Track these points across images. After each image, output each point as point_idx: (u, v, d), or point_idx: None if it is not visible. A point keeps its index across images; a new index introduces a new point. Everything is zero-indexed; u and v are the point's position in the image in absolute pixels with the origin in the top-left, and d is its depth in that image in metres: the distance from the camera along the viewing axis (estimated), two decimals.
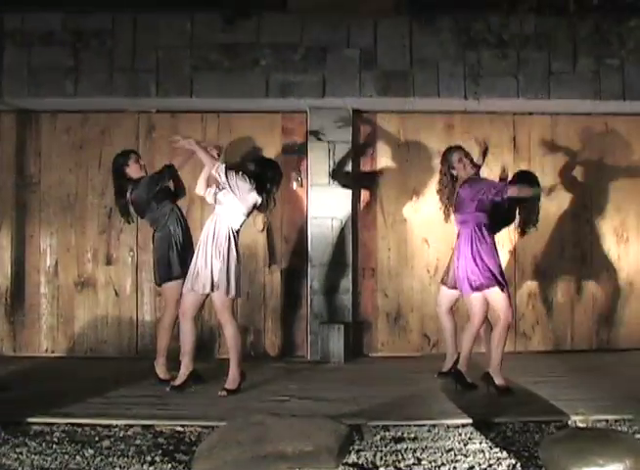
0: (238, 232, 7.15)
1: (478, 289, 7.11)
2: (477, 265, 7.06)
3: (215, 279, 6.95)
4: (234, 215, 7.05)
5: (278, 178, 7.36)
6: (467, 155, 7.36)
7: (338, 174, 8.95)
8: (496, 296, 7.07)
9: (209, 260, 6.95)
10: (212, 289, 6.98)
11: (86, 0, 8.22)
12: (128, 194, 7.57)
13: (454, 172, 7.32)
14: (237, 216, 7.08)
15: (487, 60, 8.54)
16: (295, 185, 9.09)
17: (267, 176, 7.21)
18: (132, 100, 8.65)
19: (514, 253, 9.27)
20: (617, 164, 9.41)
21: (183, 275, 7.33)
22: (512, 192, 7.11)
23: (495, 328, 7.23)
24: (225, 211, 7.07)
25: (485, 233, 7.15)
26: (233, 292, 7.03)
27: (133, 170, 7.61)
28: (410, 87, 8.60)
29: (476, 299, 7.24)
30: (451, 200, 7.34)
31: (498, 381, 7.11)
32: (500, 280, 7.04)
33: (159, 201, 7.48)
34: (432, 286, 9.10)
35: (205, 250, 6.99)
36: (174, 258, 7.47)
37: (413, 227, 9.19)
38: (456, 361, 7.68)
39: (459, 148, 7.46)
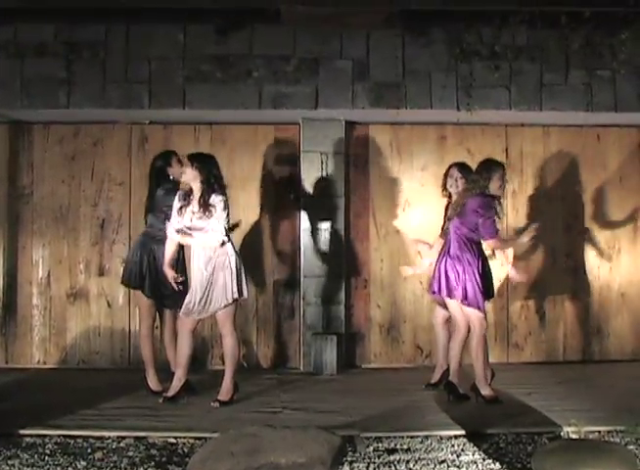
0: (228, 236, 7.16)
1: (443, 295, 7.27)
2: (463, 281, 7.12)
3: (221, 295, 6.98)
4: (216, 230, 7.02)
5: (218, 172, 7.24)
6: (506, 180, 7.38)
7: (330, 185, 8.97)
8: (470, 309, 7.12)
9: (211, 283, 6.98)
10: (220, 307, 7.02)
11: (79, 11, 8.21)
12: (160, 191, 7.52)
13: (487, 184, 7.24)
14: (219, 229, 7.03)
15: (480, 71, 8.55)
16: (288, 197, 9.10)
17: (212, 173, 7.15)
18: (125, 111, 8.64)
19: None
20: (608, 175, 9.44)
21: (140, 286, 7.49)
22: (491, 243, 7.19)
23: (470, 340, 7.24)
24: (207, 231, 7.04)
25: (471, 247, 7.17)
26: (245, 293, 7.14)
27: (176, 171, 7.55)
28: (402, 99, 8.60)
29: (457, 309, 7.27)
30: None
31: (484, 391, 7.12)
32: (470, 295, 7.11)
33: (164, 217, 7.47)
34: (424, 297, 9.10)
35: (202, 275, 7.01)
36: (135, 265, 7.48)
37: (406, 238, 9.19)
38: (444, 373, 7.70)
39: (504, 167, 7.41)
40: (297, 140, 9.15)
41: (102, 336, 9.10)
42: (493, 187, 7.20)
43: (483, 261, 7.26)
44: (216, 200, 7.01)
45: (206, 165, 7.13)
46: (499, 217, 7.24)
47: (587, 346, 9.42)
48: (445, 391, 7.31)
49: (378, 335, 9.26)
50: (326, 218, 8.97)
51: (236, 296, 7.02)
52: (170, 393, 7.16)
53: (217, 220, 6.99)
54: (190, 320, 7.13)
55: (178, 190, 7.33)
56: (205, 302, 7.01)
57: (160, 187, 7.49)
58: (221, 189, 7.14)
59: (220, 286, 6.98)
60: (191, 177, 7.13)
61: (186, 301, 7.10)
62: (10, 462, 5.38)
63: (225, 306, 7.03)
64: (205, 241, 7.04)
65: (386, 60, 8.60)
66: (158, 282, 7.42)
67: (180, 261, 7.53)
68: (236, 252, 7.16)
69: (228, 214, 7.11)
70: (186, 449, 5.75)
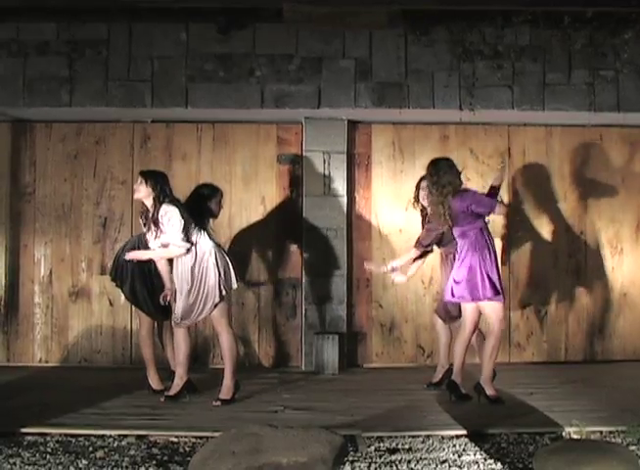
0: (206, 230, 7.18)
1: (477, 300, 7.13)
2: (481, 278, 7.05)
3: (215, 294, 6.98)
4: (175, 243, 7.01)
5: (169, 187, 7.23)
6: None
7: (333, 185, 8.97)
8: (492, 307, 7.08)
9: (208, 279, 7.00)
10: (222, 297, 7.03)
11: (82, 10, 8.22)
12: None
13: (459, 178, 7.26)
14: (176, 241, 7.00)
15: (482, 71, 8.54)
16: (290, 196, 9.09)
17: (163, 189, 7.14)
18: (127, 110, 8.64)
19: (508, 263, 9.26)
20: (611, 175, 9.42)
21: (121, 287, 7.53)
22: (499, 211, 7.20)
23: (488, 338, 7.23)
24: (168, 246, 7.07)
25: (487, 238, 7.15)
26: (233, 283, 7.16)
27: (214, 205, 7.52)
28: (405, 98, 8.60)
29: (468, 308, 7.25)
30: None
31: (489, 391, 7.11)
32: (499, 291, 7.06)
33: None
34: (426, 297, 9.12)
35: (197, 277, 7.03)
36: (120, 265, 7.47)
37: (408, 238, 9.15)
38: (446, 372, 7.70)
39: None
40: (300, 139, 9.14)
41: (104, 334, 9.10)
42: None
43: (494, 248, 7.25)
44: (162, 212, 7.00)
45: (159, 182, 7.14)
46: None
47: (589, 346, 9.41)
48: (447, 390, 7.31)
49: (379, 334, 9.26)
50: (328, 218, 8.96)
51: (224, 292, 7.03)
52: (172, 391, 7.18)
53: (171, 232, 6.97)
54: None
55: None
56: (198, 305, 7.02)
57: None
58: (172, 203, 7.10)
59: (209, 285, 6.99)
60: (144, 194, 7.15)
61: (175, 310, 7.11)
62: (11, 461, 5.38)
63: (216, 305, 7.04)
64: (168, 254, 7.10)
65: (388, 59, 8.60)
66: (143, 288, 7.43)
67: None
68: (216, 246, 7.14)
69: (184, 222, 7.01)
70: (187, 448, 5.76)
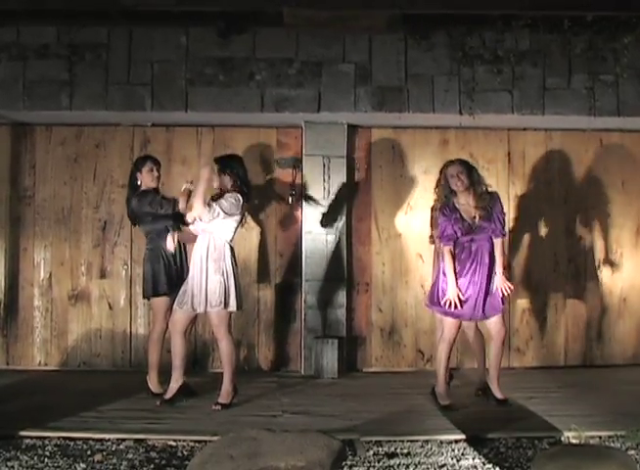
0: (231, 245, 7.17)
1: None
2: (435, 286, 7.25)
3: (215, 296, 6.96)
4: (226, 228, 7.07)
5: (243, 171, 7.33)
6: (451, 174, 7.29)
7: (332, 189, 8.96)
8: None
9: (206, 278, 6.97)
10: (210, 307, 7.00)
11: (81, 13, 8.21)
12: (134, 201, 7.55)
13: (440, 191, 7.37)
14: (229, 228, 7.10)
15: (482, 75, 8.55)
16: (290, 200, 9.08)
17: (240, 175, 7.26)
18: (127, 113, 8.64)
19: (508, 268, 9.25)
20: (610, 179, 9.42)
21: (170, 291, 7.41)
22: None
23: (438, 346, 7.32)
24: (216, 225, 7.06)
25: (467, 252, 7.19)
26: (234, 306, 7.10)
27: (145, 179, 7.58)
28: (405, 102, 8.60)
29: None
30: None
31: (443, 401, 7.17)
32: (433, 299, 7.26)
33: (155, 218, 7.45)
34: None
35: (200, 268, 7.00)
36: (161, 273, 7.45)
37: (407, 242, 9.19)
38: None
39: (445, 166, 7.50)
40: (300, 143, 9.14)
41: (103, 338, 9.09)
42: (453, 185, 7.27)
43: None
44: (231, 194, 7.09)
45: (236, 168, 7.27)
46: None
47: (588, 350, 9.39)
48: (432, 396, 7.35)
49: (379, 339, 9.25)
50: (328, 222, 8.95)
51: (219, 308, 7.01)
52: (168, 395, 7.19)
53: (221, 204, 7.01)
54: (180, 320, 7.15)
55: (149, 193, 7.48)
56: (194, 297, 7.02)
57: (134, 195, 7.60)
58: (247, 188, 7.29)
59: (209, 289, 6.98)
60: (224, 183, 7.22)
61: (180, 291, 7.14)
62: (9, 464, 5.39)
63: (209, 310, 7.05)
64: (214, 227, 7.10)
65: (388, 63, 8.60)
66: (174, 272, 7.50)
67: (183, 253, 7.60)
68: (234, 263, 7.16)
69: (237, 212, 7.11)
70: (185, 452, 5.76)
